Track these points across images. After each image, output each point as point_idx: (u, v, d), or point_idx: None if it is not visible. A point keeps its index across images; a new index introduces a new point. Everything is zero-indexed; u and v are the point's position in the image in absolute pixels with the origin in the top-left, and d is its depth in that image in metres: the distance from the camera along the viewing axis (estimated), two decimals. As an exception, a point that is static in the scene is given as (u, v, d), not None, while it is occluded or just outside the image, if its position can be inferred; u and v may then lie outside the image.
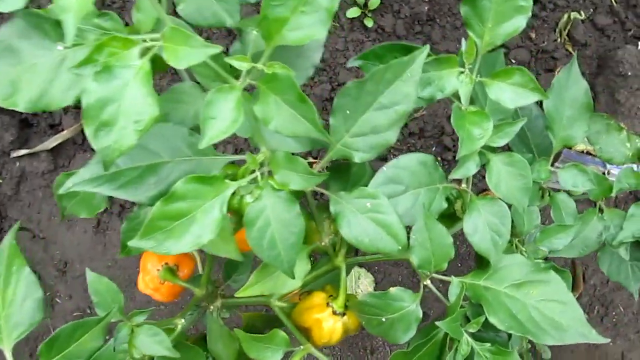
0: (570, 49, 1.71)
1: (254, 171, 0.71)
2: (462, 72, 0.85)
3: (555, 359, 1.73)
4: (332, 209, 0.76)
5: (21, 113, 1.67)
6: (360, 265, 1.68)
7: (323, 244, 0.84)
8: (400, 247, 0.76)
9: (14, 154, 1.69)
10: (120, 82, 0.59)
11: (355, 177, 0.89)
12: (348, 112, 0.75)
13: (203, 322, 0.99)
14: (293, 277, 0.70)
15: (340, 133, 0.76)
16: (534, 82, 0.84)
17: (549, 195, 1.01)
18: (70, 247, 1.72)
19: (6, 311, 0.69)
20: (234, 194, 0.73)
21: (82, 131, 1.71)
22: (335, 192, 0.76)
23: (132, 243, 0.64)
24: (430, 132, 1.67)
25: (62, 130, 1.69)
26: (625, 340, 1.72)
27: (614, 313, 1.73)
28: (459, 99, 0.86)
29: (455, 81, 0.85)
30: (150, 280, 0.94)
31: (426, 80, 0.84)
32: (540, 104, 1.12)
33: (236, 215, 0.81)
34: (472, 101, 0.88)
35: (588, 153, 1.23)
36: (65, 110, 1.70)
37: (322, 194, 0.79)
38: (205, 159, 0.72)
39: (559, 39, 1.72)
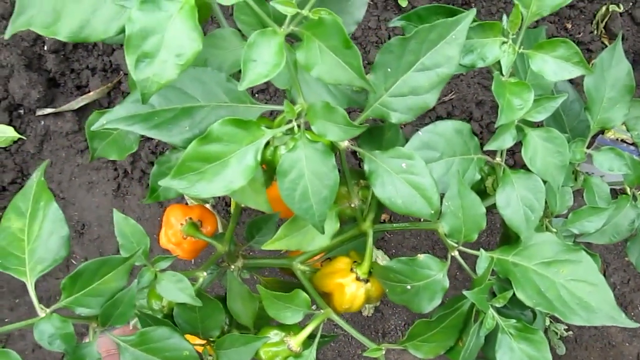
0: (606, 42, 1.67)
1: (290, 122, 0.69)
2: (504, 42, 0.83)
3: (570, 355, 1.71)
4: (366, 167, 0.74)
5: (49, 71, 1.67)
6: (378, 247, 1.66)
7: (352, 205, 0.82)
8: (433, 212, 0.74)
9: (40, 112, 1.69)
10: (165, 14, 0.58)
11: (388, 144, 0.87)
12: (389, 70, 0.73)
13: (222, 283, 0.97)
14: (323, 232, 0.69)
15: (379, 91, 0.74)
16: (579, 55, 0.82)
17: (583, 178, 0.99)
18: (89, 210, 1.72)
19: (31, 245, 0.68)
20: (267, 145, 0.72)
21: (108, 94, 1.70)
22: (370, 151, 0.74)
23: (163, 182, 0.63)
24: (458, 117, 1.64)
25: (89, 91, 1.69)
26: (642, 342, 1.70)
27: (632, 313, 1.70)
28: (499, 69, 0.84)
29: (497, 50, 0.83)
30: (173, 234, 0.93)
31: (468, 47, 0.82)
32: (578, 87, 1.10)
33: (268, 171, 0.80)
34: (511, 74, 0.86)
35: (622, 141, 1.20)
36: (93, 72, 1.69)
37: (355, 156, 0.77)
38: (241, 106, 0.71)
39: (595, 31, 1.69)
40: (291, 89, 0.72)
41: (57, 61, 1.67)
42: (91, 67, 1.69)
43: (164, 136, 0.68)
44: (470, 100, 1.64)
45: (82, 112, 1.70)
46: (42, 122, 1.71)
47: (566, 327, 1.68)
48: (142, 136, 0.71)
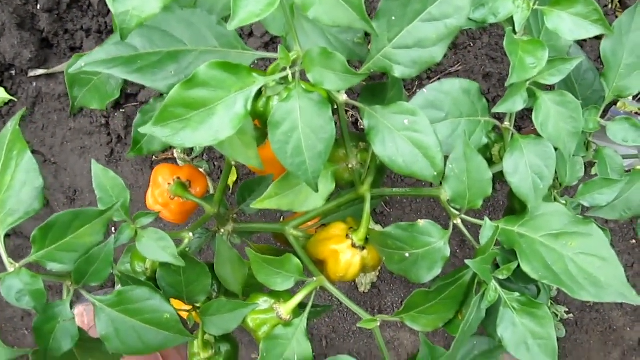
0: (621, 16, 1.61)
1: (284, 69, 0.64)
2: (519, -3, 0.77)
3: (569, 338, 1.67)
4: (365, 123, 0.69)
5: (42, 31, 1.61)
6: (376, 222, 1.62)
7: (350, 166, 0.77)
8: (436, 173, 0.69)
9: (32, 73, 1.63)
10: (147, -61, 0.52)
11: (391, 103, 0.81)
12: (394, 18, 0.68)
13: (213, 249, 0.93)
14: (316, 190, 0.64)
15: (382, 41, 0.69)
16: (599, 13, 0.76)
17: (595, 148, 0.93)
18: (81, 175, 1.67)
19: (2, 196, 0.63)
20: (260, 95, 0.67)
21: (102, 56, 1.64)
22: (370, 106, 0.69)
23: (144, 129, 0.58)
24: (464, 89, 1.59)
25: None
26: (644, 327, 1.65)
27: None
28: (512, 25, 0.78)
29: (510, 5, 0.77)
30: (160, 194, 0.88)
31: (479, 1, 0.77)
32: (591, 55, 1.04)
33: (262, 127, 0.75)
34: (523, 34, 0.80)
35: (636, 114, 1.15)
36: (87, 33, 1.63)
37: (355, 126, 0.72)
38: (233, 51, 0.65)
39: (609, 5, 1.62)
40: (287, 36, 0.67)
41: (50, 21, 1.61)
42: (86, 28, 1.63)
43: (147, 81, 0.63)
44: (477, 72, 1.58)
45: (75, 74, 1.65)
46: (34, 84, 1.65)
47: (567, 310, 1.64)
48: (127, 83, 0.66)
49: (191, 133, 0.59)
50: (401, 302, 1.64)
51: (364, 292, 1.64)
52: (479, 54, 1.60)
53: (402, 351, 1.63)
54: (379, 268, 1.62)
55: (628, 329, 1.66)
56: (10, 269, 0.62)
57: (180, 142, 0.59)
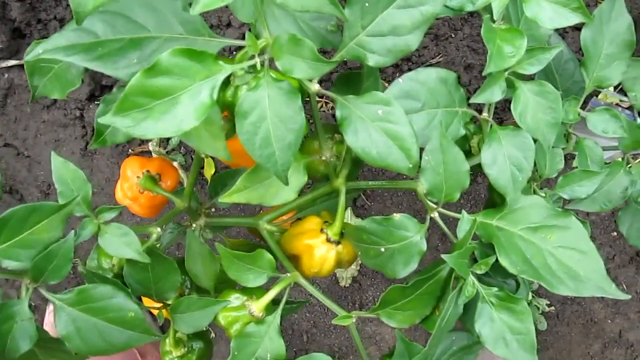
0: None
1: (253, 57, 0.61)
2: (497, -16, 0.75)
3: (551, 331, 1.66)
4: (338, 113, 0.66)
5: (13, 21, 1.57)
6: (357, 215, 1.59)
7: (324, 158, 0.75)
8: (411, 165, 0.67)
9: (3, 64, 1.59)
10: None
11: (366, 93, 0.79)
12: (367, 4, 0.65)
13: (183, 243, 0.90)
14: (286, 183, 0.61)
15: (356, 29, 0.66)
16: (579, 1, 0.75)
17: (575, 140, 0.92)
18: (55, 169, 1.63)
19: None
20: (228, 84, 0.64)
21: (76, 46, 1.60)
22: (343, 96, 0.67)
23: (104, 119, 0.55)
24: (445, 81, 1.57)
25: (56, 43, 1.58)
26: (624, 319, 1.65)
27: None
28: (490, 13, 0.76)
29: (489, -8, 0.75)
30: (129, 187, 0.85)
31: (457, -12, 0.75)
32: (572, 47, 1.02)
33: (231, 119, 0.73)
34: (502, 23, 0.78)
35: (617, 105, 1.13)
36: (61, 22, 1.59)
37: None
38: (199, 39, 0.63)
39: (592, -4, 1.61)
40: (256, 23, 0.64)
41: (22, 10, 1.56)
42: (59, 17, 1.59)
43: (108, 69, 0.60)
44: (458, 64, 1.56)
45: (48, 65, 1.60)
46: (6, 75, 1.61)
47: (548, 303, 1.63)
48: (88, 70, 0.63)
49: (153, 123, 0.56)
50: (383, 296, 1.62)
51: (344, 287, 1.62)
52: (460, 45, 1.58)
53: (383, 345, 1.62)
54: (360, 262, 1.60)
55: (609, 321, 1.66)
56: (-36, 266, 0.59)
57: (141, 132, 0.56)
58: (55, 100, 1.60)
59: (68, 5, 1.58)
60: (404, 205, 1.61)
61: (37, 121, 1.62)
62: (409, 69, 1.57)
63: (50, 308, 1.33)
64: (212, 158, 1.47)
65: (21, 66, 1.59)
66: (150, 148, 1.50)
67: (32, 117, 1.62)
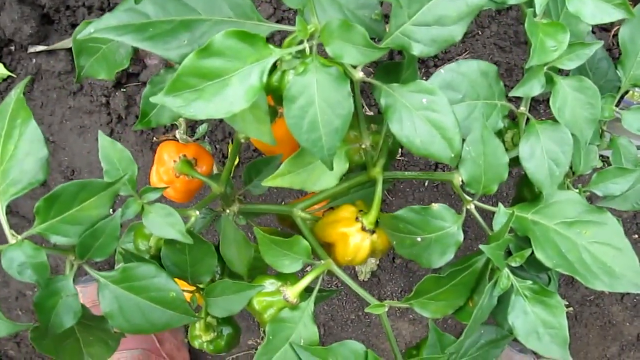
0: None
1: (301, 42, 0.61)
2: (540, -22, 0.75)
3: (569, 332, 1.66)
4: (382, 101, 0.67)
5: (43, 7, 1.58)
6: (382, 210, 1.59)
7: (363, 146, 0.75)
8: (453, 155, 0.67)
9: (31, 49, 1.60)
10: None
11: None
12: (414, -7, 0.66)
13: (217, 230, 0.91)
14: (331, 168, 0.62)
15: (402, 17, 0.66)
16: (623, -4, 0.74)
17: (610, 138, 0.92)
18: (80, 155, 1.65)
19: (4, 165, 0.61)
20: (275, 70, 0.65)
21: (104, 34, 1.61)
22: (387, 84, 0.67)
23: (155, 99, 0.56)
24: (471, 78, 1.56)
25: (84, 29, 1.59)
26: (643, 323, 1.65)
27: (635, 292, 1.64)
28: (531, 7, 0.76)
29: (532, -14, 0.75)
30: (165, 172, 0.86)
31: (500, -20, 0.75)
32: (607, 45, 1.02)
33: (271, 104, 0.73)
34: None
35: (649, 105, 1.13)
36: (89, 10, 1.60)
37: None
38: (248, 22, 0.63)
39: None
40: (304, 9, 0.64)
41: (51, -4, 1.58)
42: (88, 4, 1.60)
43: (159, 49, 0.60)
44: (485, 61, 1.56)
45: (76, 52, 1.61)
46: (34, 60, 1.62)
47: (566, 303, 1.63)
48: (135, 52, 0.64)
49: (204, 104, 0.57)
50: (401, 291, 1.62)
51: (363, 281, 1.63)
52: (487, 42, 1.58)
53: (400, 340, 1.62)
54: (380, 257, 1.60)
55: (627, 324, 1.65)
56: (12, 240, 0.59)
57: (192, 113, 0.56)
58: (81, 87, 1.61)
59: (97, -8, 1.59)
60: (425, 201, 1.61)
61: (63, 107, 1.63)
62: (435, 65, 1.57)
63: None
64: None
65: (49, 52, 1.60)
66: (178, 136, 1.51)
67: (58, 102, 1.64)
